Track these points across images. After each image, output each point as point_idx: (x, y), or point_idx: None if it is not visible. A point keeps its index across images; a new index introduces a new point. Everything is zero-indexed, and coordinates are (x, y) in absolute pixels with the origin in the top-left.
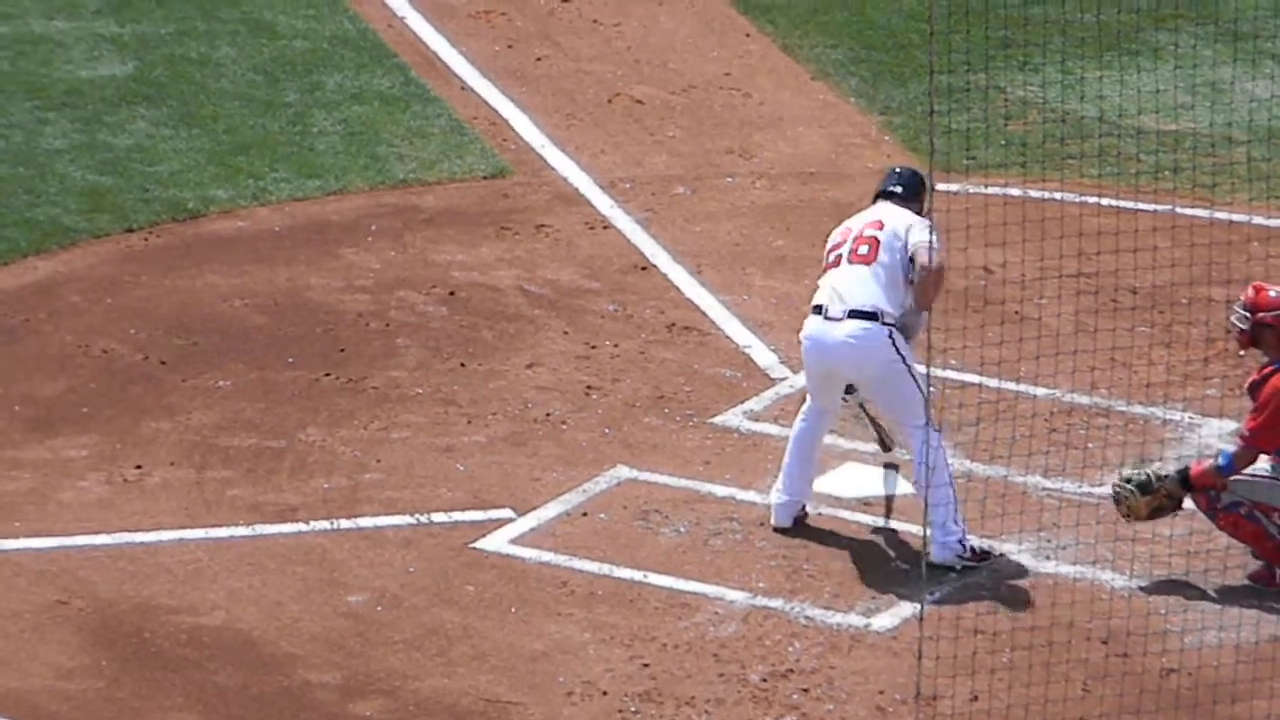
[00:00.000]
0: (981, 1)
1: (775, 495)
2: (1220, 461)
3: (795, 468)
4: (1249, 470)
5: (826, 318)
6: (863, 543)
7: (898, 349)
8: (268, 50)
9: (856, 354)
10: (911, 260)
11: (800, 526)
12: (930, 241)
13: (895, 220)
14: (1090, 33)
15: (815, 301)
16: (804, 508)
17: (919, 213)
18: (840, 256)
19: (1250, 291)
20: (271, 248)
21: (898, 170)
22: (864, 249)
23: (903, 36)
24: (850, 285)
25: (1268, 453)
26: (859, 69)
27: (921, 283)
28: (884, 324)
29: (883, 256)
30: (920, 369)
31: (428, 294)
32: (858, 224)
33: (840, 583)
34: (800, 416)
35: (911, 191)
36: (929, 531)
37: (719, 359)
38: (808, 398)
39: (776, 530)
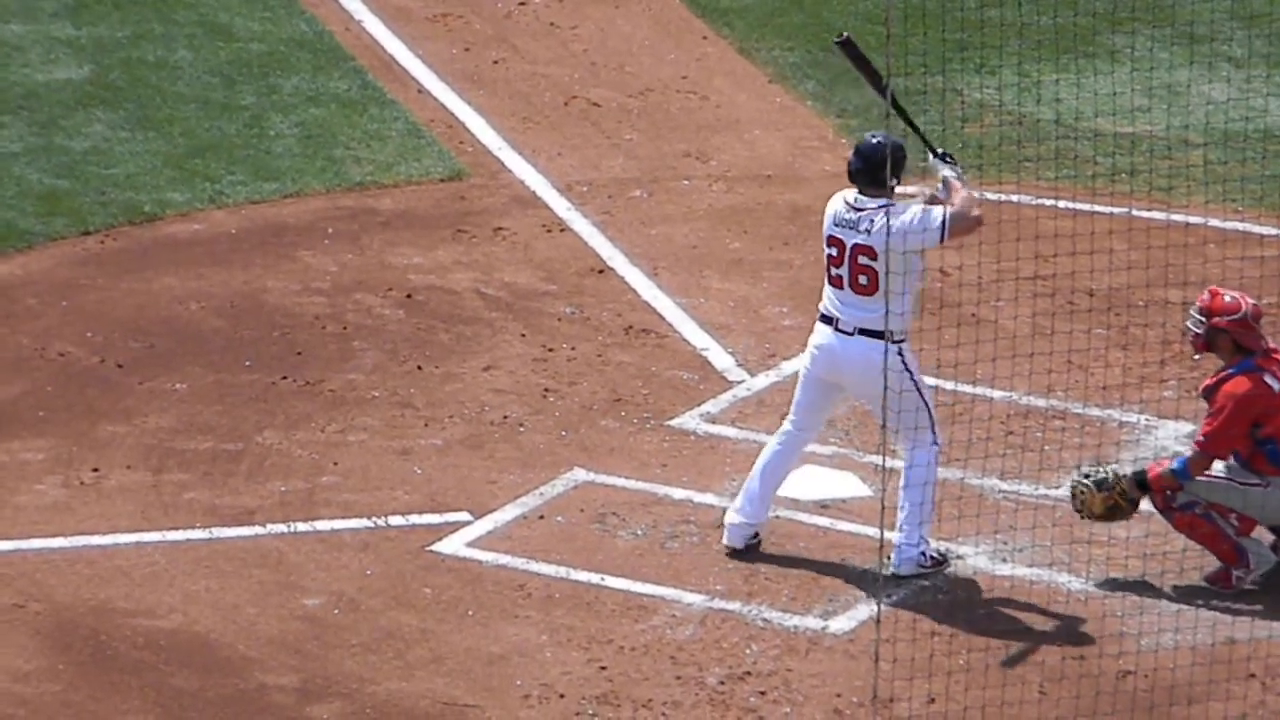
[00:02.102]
0: (938, 4)
1: (731, 515)
2: (1175, 466)
3: (758, 491)
4: (1243, 478)
5: (838, 330)
6: (820, 546)
7: (907, 366)
8: (224, 53)
9: (869, 370)
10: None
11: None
12: (935, 226)
13: (882, 238)
14: (1047, 35)
15: (825, 312)
16: (757, 533)
17: (893, 184)
18: (841, 278)
19: (1205, 296)
20: (228, 250)
21: (859, 149)
22: (864, 279)
23: (859, 39)
24: (857, 308)
25: (1222, 457)
26: (816, 72)
27: (962, 231)
28: (895, 342)
29: (883, 283)
30: (928, 384)
31: (385, 297)
32: (849, 239)
33: (797, 585)
34: (777, 438)
35: (875, 168)
36: (896, 540)
37: (676, 361)
38: (790, 418)
39: (727, 551)
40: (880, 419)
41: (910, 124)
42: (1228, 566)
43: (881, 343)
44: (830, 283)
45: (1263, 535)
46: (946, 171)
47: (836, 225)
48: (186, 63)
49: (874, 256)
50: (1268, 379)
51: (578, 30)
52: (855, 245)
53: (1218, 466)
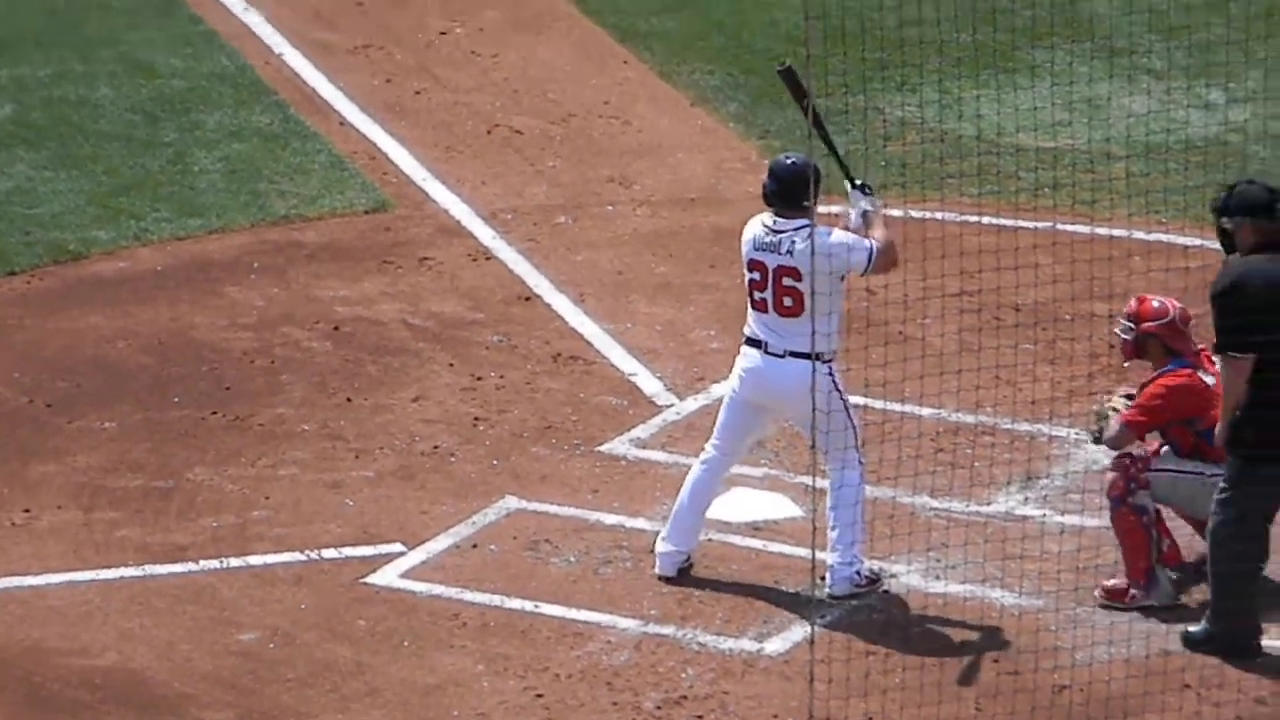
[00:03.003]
0: (858, 24)
1: (661, 543)
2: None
3: (687, 518)
4: (1177, 465)
5: (767, 352)
6: (753, 568)
7: (836, 386)
8: (146, 90)
9: (800, 391)
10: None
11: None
12: (860, 257)
13: (806, 259)
14: (967, 52)
15: (751, 336)
16: (689, 558)
17: (806, 208)
18: (765, 302)
19: (1133, 303)
20: (154, 288)
21: (773, 169)
22: (789, 301)
23: (780, 60)
24: (784, 331)
25: (1140, 439)
26: (737, 94)
27: (883, 267)
28: (824, 361)
29: (809, 304)
30: (855, 403)
31: (312, 330)
32: (771, 261)
33: (731, 608)
34: (701, 462)
35: (792, 190)
36: (830, 560)
37: (605, 387)
38: (713, 442)
39: (660, 578)
40: (810, 440)
41: (834, 153)
42: (1133, 584)
43: (809, 363)
44: (754, 307)
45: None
46: (865, 204)
47: (757, 249)
48: (108, 100)
49: (798, 278)
50: (1201, 374)
51: (499, 58)
52: (779, 267)
53: (1189, 464)
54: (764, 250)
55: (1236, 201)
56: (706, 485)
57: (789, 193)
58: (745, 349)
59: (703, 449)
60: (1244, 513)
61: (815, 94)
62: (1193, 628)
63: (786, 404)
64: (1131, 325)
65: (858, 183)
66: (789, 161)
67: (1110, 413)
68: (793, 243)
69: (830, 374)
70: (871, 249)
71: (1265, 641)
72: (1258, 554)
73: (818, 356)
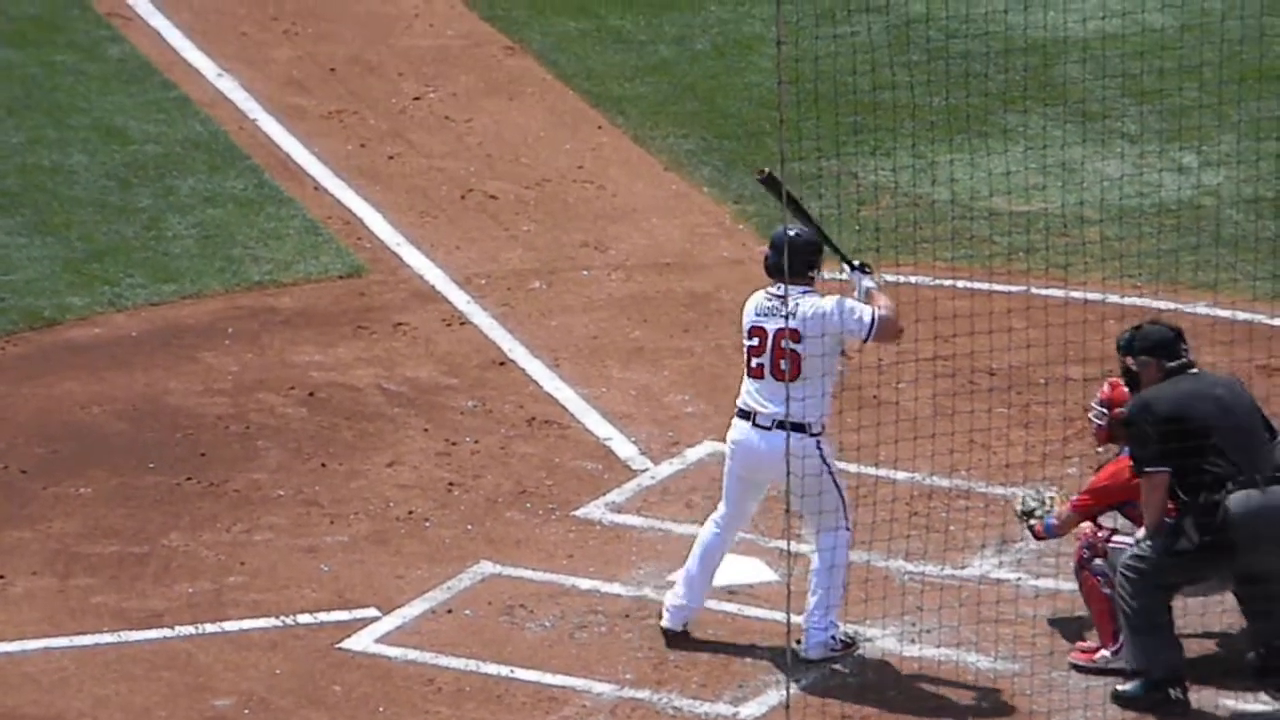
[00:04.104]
0: (831, 88)
1: (673, 598)
2: (1048, 523)
3: (699, 576)
4: (1120, 542)
5: (755, 425)
6: (728, 632)
7: (824, 459)
8: (119, 155)
9: (784, 463)
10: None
11: (655, 619)
12: (860, 325)
13: (807, 323)
14: (940, 116)
15: (743, 407)
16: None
17: (815, 272)
18: (762, 367)
19: (1106, 388)
20: (129, 353)
21: (774, 242)
22: (784, 364)
23: (754, 125)
24: (777, 399)
25: (1086, 519)
26: (711, 158)
27: (885, 337)
28: (812, 434)
29: (805, 370)
30: (843, 472)
31: (286, 395)
32: (771, 326)
33: (707, 672)
34: (713, 524)
35: (799, 258)
36: (805, 624)
37: (580, 452)
38: (722, 504)
39: (666, 632)
40: (793, 508)
41: (830, 243)
42: (1101, 645)
43: (802, 435)
44: (750, 374)
45: None
46: (868, 283)
47: (758, 315)
48: (82, 166)
49: (798, 340)
50: None
51: (472, 123)
52: (778, 330)
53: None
54: (765, 316)
55: (1141, 342)
56: (720, 545)
57: (791, 264)
58: (736, 420)
59: (716, 508)
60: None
61: (783, 154)
62: (1122, 686)
63: (774, 475)
64: (1104, 410)
65: (856, 264)
66: (790, 234)
67: (1036, 505)
68: (796, 305)
69: (819, 447)
70: (874, 315)
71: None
72: (1166, 593)
73: (807, 429)
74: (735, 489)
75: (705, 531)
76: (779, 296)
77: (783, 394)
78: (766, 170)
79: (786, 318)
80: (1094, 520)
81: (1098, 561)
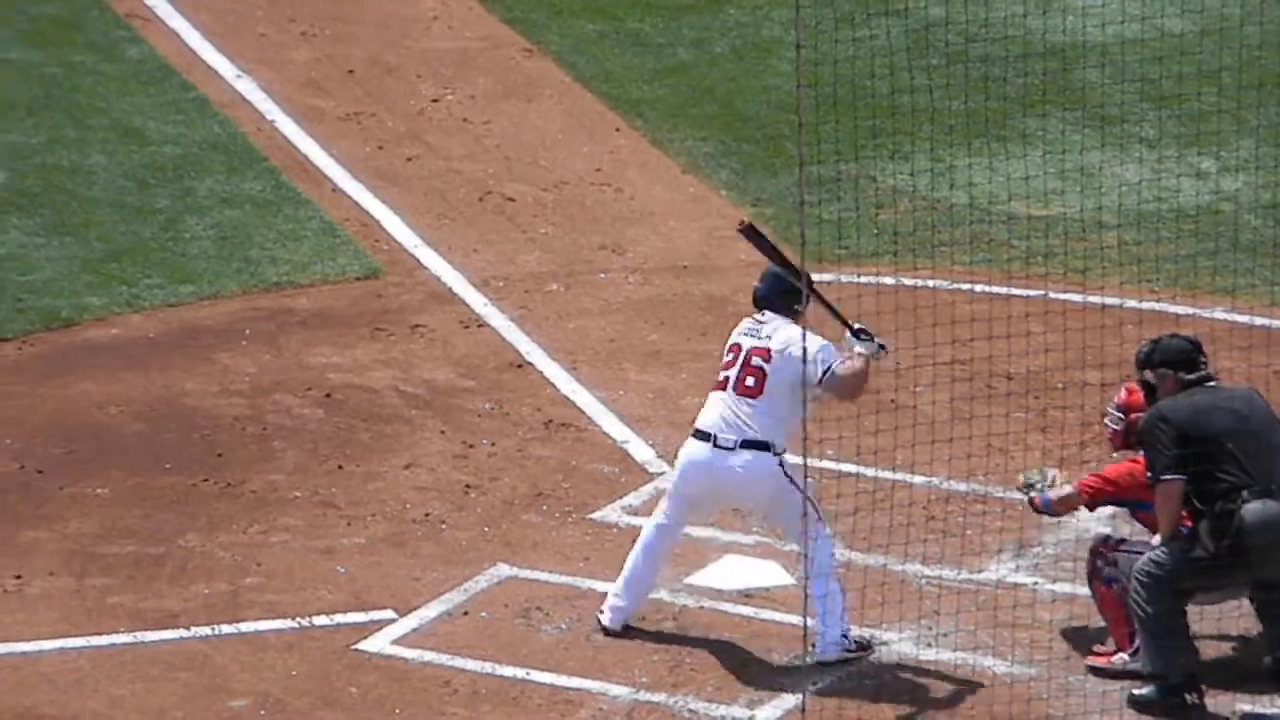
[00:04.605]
0: (850, 91)
1: (615, 599)
2: (1044, 498)
3: (645, 577)
4: (1130, 550)
5: (716, 445)
6: (744, 635)
7: (788, 475)
8: (138, 156)
9: (749, 483)
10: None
11: (671, 621)
12: (819, 367)
13: (779, 345)
14: (959, 120)
15: (702, 426)
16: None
17: (798, 312)
18: (728, 380)
19: (1123, 393)
20: (146, 354)
21: (765, 276)
22: (751, 380)
23: (772, 128)
24: (738, 415)
25: (1089, 506)
26: (729, 161)
27: (837, 391)
28: (775, 454)
29: (770, 389)
30: (811, 484)
31: (304, 396)
32: (747, 343)
33: (723, 675)
34: (655, 529)
35: (778, 294)
36: (818, 627)
37: (596, 455)
38: (666, 510)
39: (607, 633)
40: (765, 523)
41: (830, 308)
42: (1118, 648)
43: (764, 453)
44: (715, 388)
45: None
46: (860, 348)
47: (738, 335)
48: (101, 167)
49: (767, 358)
50: None
51: (490, 125)
52: (753, 348)
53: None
54: (744, 335)
55: (1160, 355)
56: (664, 548)
57: (777, 295)
58: (692, 440)
59: (655, 510)
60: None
61: (802, 158)
62: (1138, 690)
63: (734, 496)
64: (1121, 415)
65: (855, 328)
66: (770, 272)
67: (1039, 479)
68: (775, 329)
69: (780, 464)
70: (829, 370)
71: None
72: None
73: (770, 447)
74: (680, 506)
75: (648, 533)
76: (762, 322)
77: (743, 410)
78: (746, 221)
79: (762, 337)
80: (1094, 509)
81: (1108, 570)
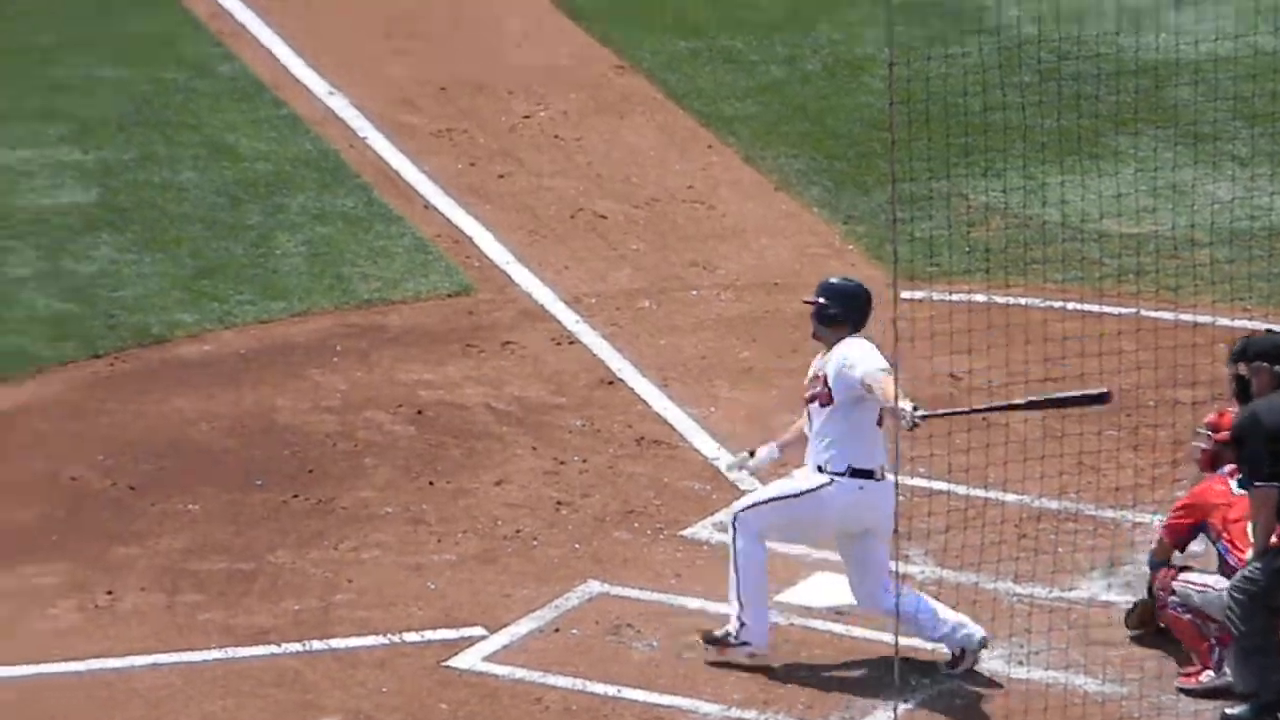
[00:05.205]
0: (942, 109)
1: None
2: (1150, 560)
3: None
4: (1186, 580)
5: (878, 479)
6: (835, 652)
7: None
8: (230, 173)
9: (887, 511)
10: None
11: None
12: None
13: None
14: (1051, 137)
15: (867, 466)
16: None
17: (858, 323)
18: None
19: (1214, 415)
20: (238, 370)
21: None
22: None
23: (864, 145)
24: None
25: (1179, 548)
26: (821, 178)
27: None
28: (825, 473)
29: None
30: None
31: (395, 413)
32: (818, 365)
33: (814, 693)
34: (753, 549)
35: (836, 309)
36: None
37: (688, 472)
38: (761, 533)
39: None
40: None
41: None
42: (1202, 667)
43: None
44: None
45: None
46: (905, 404)
47: (818, 359)
48: (192, 184)
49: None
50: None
51: (582, 142)
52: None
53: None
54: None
55: (1255, 348)
56: (763, 562)
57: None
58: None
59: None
60: (1269, 591)
61: (894, 175)
62: (1231, 709)
63: (878, 521)
64: (1209, 435)
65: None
66: (824, 283)
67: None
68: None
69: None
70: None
71: None
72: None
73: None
74: (814, 535)
75: (751, 553)
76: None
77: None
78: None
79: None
80: (1184, 549)
81: (1172, 598)
